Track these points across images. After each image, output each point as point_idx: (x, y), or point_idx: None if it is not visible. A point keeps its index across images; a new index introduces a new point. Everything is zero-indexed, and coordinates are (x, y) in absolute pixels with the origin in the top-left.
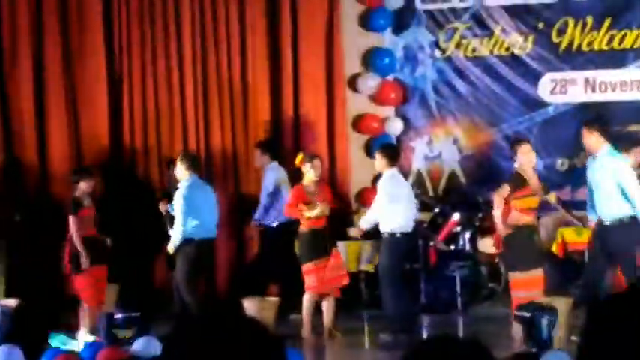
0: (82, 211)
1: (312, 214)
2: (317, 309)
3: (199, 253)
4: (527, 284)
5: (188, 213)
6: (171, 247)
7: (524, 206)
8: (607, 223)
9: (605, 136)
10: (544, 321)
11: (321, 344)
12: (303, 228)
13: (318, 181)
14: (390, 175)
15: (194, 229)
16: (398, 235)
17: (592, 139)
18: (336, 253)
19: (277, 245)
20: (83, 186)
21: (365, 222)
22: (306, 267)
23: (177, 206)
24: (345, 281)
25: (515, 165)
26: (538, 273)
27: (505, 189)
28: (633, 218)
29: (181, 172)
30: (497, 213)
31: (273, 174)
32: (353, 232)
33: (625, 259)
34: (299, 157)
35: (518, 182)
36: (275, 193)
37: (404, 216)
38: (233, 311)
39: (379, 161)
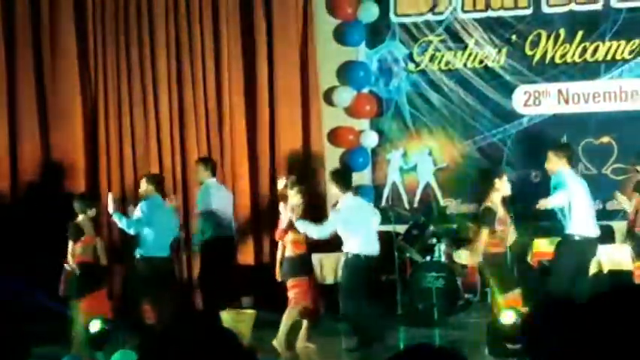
0: (84, 237)
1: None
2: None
3: (153, 272)
4: (509, 305)
5: (143, 225)
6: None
7: (497, 239)
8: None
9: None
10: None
11: (297, 356)
12: (290, 253)
13: (300, 205)
14: (347, 203)
15: (148, 248)
16: (362, 257)
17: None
18: (313, 279)
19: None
20: (89, 213)
21: (305, 226)
22: (289, 282)
23: (135, 215)
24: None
25: (493, 192)
26: (517, 293)
27: (485, 233)
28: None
29: (145, 189)
30: (476, 257)
31: (209, 192)
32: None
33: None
34: (282, 183)
35: (491, 219)
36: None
37: (366, 239)
38: (208, 323)
39: (335, 188)
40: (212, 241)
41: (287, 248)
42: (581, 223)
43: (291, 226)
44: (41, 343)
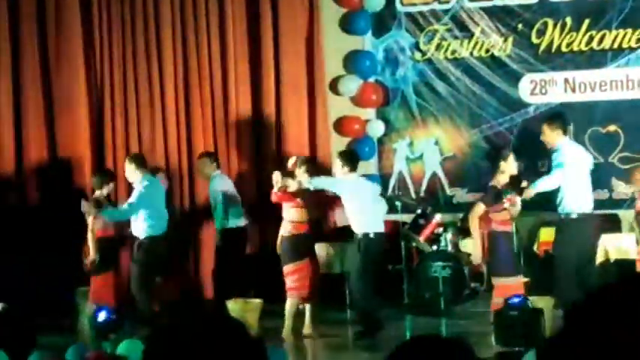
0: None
1: (296, 218)
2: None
3: (155, 250)
4: (509, 290)
5: (136, 209)
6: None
7: (503, 218)
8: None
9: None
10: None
11: (304, 346)
12: (286, 233)
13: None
14: (353, 178)
15: (151, 228)
16: (371, 235)
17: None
18: (314, 262)
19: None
20: (107, 188)
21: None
22: (286, 268)
23: (133, 198)
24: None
25: (499, 174)
26: (520, 279)
27: (480, 208)
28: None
29: (132, 173)
30: (475, 234)
31: (222, 181)
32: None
33: None
34: (292, 160)
35: (494, 198)
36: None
37: (374, 216)
38: (216, 313)
39: (340, 169)
40: (225, 232)
41: (287, 228)
42: (578, 199)
43: (285, 192)
44: (47, 333)
